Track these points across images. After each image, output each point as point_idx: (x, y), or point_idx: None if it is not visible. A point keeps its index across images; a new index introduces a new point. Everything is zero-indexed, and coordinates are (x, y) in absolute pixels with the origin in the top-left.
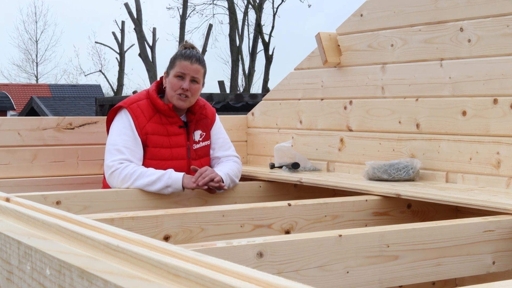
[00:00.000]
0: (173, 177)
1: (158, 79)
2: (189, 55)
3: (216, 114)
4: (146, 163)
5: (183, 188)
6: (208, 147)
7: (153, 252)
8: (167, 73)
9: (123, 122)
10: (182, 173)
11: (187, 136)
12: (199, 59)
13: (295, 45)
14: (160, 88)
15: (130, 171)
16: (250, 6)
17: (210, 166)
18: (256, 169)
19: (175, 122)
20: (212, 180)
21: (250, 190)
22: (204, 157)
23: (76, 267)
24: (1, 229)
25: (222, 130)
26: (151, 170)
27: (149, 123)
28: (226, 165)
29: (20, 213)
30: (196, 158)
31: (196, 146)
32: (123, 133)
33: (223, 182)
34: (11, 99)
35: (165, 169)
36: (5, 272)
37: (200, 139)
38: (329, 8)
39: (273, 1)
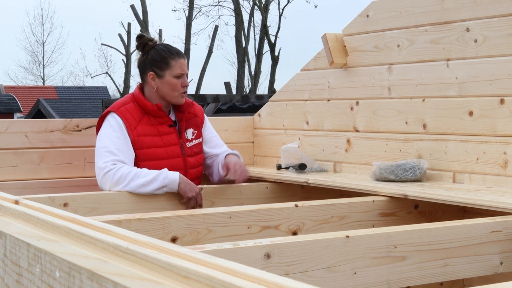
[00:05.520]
0: (169, 177)
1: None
2: (177, 52)
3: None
4: (144, 164)
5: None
6: (200, 145)
7: (163, 254)
8: (156, 74)
9: (112, 125)
10: (177, 174)
11: (179, 134)
12: (182, 52)
13: (301, 46)
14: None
15: (125, 172)
16: (256, 7)
17: (205, 163)
18: (263, 170)
19: (164, 122)
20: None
21: (257, 191)
22: (199, 154)
23: (86, 269)
24: (11, 232)
25: (212, 127)
26: (145, 170)
27: (139, 125)
28: (232, 156)
29: (29, 215)
30: (191, 155)
31: (190, 144)
32: (112, 135)
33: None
34: (18, 102)
35: (162, 168)
36: (15, 274)
37: (193, 137)
38: (336, 9)
39: (279, 2)
